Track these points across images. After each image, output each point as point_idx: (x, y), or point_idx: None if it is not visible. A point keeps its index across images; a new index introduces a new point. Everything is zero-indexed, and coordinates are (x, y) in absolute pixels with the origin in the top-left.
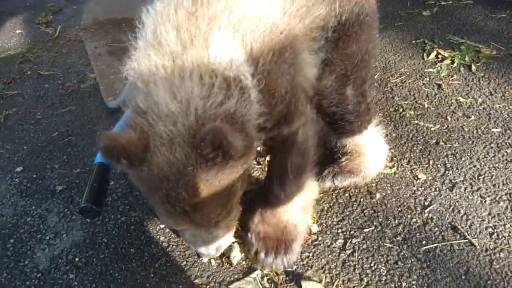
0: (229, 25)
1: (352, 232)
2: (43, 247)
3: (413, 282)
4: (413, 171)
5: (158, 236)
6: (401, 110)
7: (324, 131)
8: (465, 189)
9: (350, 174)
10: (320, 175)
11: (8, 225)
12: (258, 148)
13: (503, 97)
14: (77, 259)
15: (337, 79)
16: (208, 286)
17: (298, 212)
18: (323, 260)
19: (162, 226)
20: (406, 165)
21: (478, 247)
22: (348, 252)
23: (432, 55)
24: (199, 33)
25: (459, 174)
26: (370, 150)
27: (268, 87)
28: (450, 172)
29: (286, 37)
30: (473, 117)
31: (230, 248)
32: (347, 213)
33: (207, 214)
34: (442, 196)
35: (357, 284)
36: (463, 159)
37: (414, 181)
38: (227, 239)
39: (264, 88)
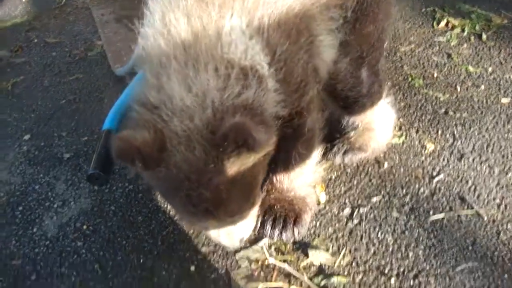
0: (243, 11)
1: (359, 201)
2: (51, 215)
3: (420, 252)
4: (422, 140)
5: (165, 204)
6: (410, 79)
7: (333, 110)
8: (473, 159)
9: (360, 150)
10: (330, 151)
11: (16, 193)
12: None
13: None
14: (85, 226)
15: (352, 62)
16: (215, 254)
17: (306, 188)
18: (330, 229)
19: None
20: (415, 135)
21: (485, 218)
22: (355, 221)
23: (442, 24)
24: (211, 21)
25: (468, 144)
26: (379, 124)
27: (284, 76)
28: (459, 142)
29: (302, 20)
30: (482, 87)
31: None
32: (355, 182)
33: (230, 210)
34: (450, 166)
35: (364, 254)
36: (472, 129)
37: (422, 150)
38: (250, 227)
39: (281, 77)
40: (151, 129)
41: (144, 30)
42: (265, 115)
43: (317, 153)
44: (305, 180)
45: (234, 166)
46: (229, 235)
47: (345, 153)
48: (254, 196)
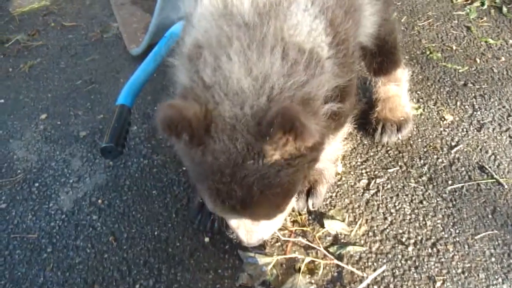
0: None
1: (376, 172)
2: (67, 190)
3: (438, 221)
4: (440, 112)
5: (180, 178)
6: (428, 52)
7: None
8: (493, 129)
9: (394, 125)
10: (368, 131)
11: (33, 170)
12: None
13: None
14: (100, 201)
15: (384, 2)
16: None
17: (325, 162)
18: (346, 200)
19: (184, 168)
20: (433, 106)
21: (506, 186)
22: (372, 192)
23: None
24: (275, 1)
25: (488, 114)
26: (401, 91)
27: (343, 57)
28: (478, 112)
29: None
30: (503, 59)
31: None
32: (372, 154)
33: (258, 213)
34: (469, 137)
35: (380, 223)
36: (491, 100)
37: (441, 122)
38: (272, 230)
39: (340, 60)
40: (202, 106)
41: (199, 10)
42: (320, 106)
43: (344, 132)
44: (327, 156)
45: (273, 169)
46: (248, 233)
47: (382, 132)
48: (287, 203)
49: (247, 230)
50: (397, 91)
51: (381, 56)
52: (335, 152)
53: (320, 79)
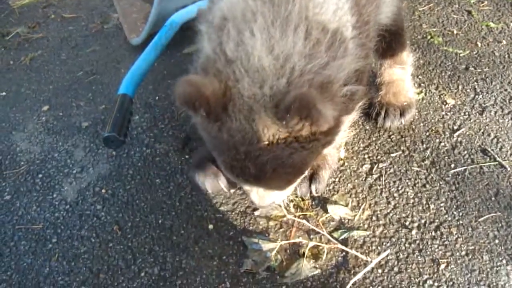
0: None
1: (378, 157)
2: (70, 181)
3: (442, 204)
4: (442, 96)
5: (183, 167)
6: (429, 37)
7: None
8: (495, 112)
9: (396, 110)
10: (371, 115)
11: (36, 161)
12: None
13: None
14: (103, 190)
15: None
16: (233, 213)
17: (329, 148)
18: (349, 185)
19: (187, 156)
20: (434, 91)
21: (508, 169)
22: (374, 176)
23: None
24: None
25: (490, 98)
26: (405, 76)
27: (365, 38)
28: (480, 96)
29: None
30: (504, 42)
31: None
32: (374, 139)
33: (270, 186)
34: (471, 120)
35: (384, 207)
36: (493, 83)
37: (443, 106)
38: (284, 196)
39: (362, 41)
40: (222, 82)
41: None
42: (337, 92)
43: (350, 120)
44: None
45: (286, 151)
46: (261, 197)
47: (385, 116)
48: (299, 177)
49: (259, 195)
50: (401, 75)
51: (390, 36)
52: (340, 139)
53: (341, 61)
